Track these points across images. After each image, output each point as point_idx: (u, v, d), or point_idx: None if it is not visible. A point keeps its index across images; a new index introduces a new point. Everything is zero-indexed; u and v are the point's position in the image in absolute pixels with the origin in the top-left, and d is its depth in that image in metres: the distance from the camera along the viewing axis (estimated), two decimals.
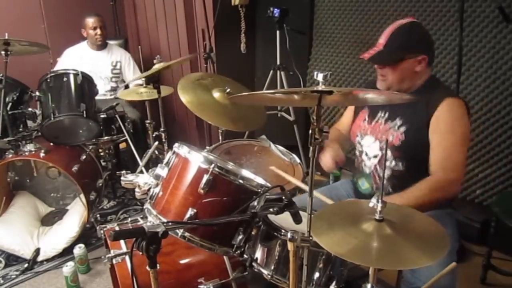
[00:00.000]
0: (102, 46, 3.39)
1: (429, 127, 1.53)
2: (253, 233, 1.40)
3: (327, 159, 1.69)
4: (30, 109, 2.48)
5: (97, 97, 2.67)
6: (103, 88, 3.31)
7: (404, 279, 1.43)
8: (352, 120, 1.84)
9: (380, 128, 1.66)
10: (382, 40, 1.58)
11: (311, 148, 1.10)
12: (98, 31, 3.29)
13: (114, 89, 3.40)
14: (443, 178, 1.49)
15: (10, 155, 2.39)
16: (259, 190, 1.35)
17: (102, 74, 3.34)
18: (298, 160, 1.97)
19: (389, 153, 1.62)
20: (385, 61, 1.58)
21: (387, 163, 1.64)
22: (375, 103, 1.61)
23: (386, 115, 1.66)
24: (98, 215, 2.74)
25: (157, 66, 2.15)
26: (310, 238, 1.11)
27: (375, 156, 1.68)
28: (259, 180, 1.47)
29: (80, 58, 3.29)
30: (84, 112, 2.40)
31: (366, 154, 1.72)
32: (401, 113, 1.60)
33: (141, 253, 1.04)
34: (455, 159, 1.50)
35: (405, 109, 1.57)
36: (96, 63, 3.32)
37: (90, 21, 3.29)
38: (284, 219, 1.45)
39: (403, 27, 1.56)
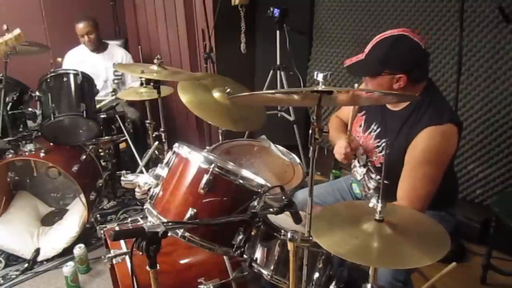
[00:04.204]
0: (100, 49, 3.34)
1: (406, 153, 1.48)
2: (252, 233, 1.40)
3: (340, 147, 1.63)
4: (30, 109, 2.48)
5: (97, 97, 2.67)
6: (104, 90, 3.30)
7: None
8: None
9: (369, 142, 1.64)
10: (367, 48, 1.52)
11: (311, 148, 1.10)
12: (86, 38, 3.23)
13: (115, 91, 3.37)
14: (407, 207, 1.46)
15: (10, 155, 2.38)
16: (259, 190, 1.35)
17: (104, 76, 3.33)
18: (298, 160, 1.96)
19: (372, 168, 1.63)
20: (361, 73, 1.55)
21: (373, 176, 1.66)
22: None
23: (378, 130, 1.62)
24: (98, 215, 2.74)
25: (156, 76, 2.09)
26: (310, 238, 1.11)
27: (364, 166, 1.68)
28: (259, 180, 1.47)
29: (81, 62, 3.25)
30: (84, 112, 2.40)
31: (358, 161, 1.72)
32: (389, 134, 1.55)
33: (141, 253, 1.04)
34: (421, 192, 1.46)
35: (393, 130, 1.54)
36: (97, 66, 3.30)
37: (78, 28, 3.21)
38: (283, 220, 1.45)
39: (386, 41, 1.48)
